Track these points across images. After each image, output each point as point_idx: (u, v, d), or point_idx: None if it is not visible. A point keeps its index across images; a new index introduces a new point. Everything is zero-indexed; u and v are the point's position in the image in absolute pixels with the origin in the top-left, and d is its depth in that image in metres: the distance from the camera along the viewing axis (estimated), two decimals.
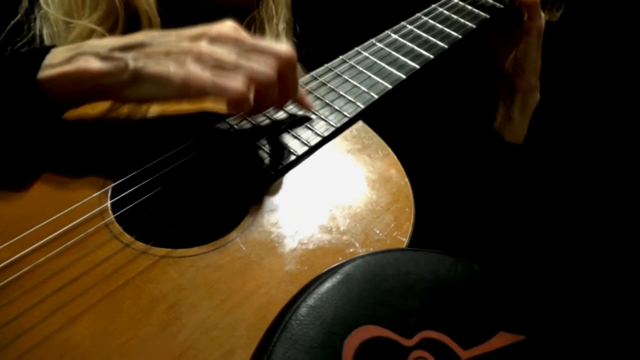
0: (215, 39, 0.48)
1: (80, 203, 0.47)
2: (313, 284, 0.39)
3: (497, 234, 0.69)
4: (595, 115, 1.07)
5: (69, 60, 0.47)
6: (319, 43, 0.72)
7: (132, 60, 0.47)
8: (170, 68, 0.46)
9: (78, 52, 0.48)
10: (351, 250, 0.45)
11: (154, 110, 0.56)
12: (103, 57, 0.47)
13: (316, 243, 0.46)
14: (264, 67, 0.47)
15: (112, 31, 0.63)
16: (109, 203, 0.47)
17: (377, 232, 0.47)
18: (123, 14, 0.63)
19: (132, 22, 0.64)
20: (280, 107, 0.55)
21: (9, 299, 0.40)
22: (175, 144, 0.53)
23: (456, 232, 0.69)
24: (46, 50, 0.49)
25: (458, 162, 0.74)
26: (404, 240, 0.47)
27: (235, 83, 0.45)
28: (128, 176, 0.49)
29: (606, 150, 1.06)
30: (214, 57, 0.47)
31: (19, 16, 0.63)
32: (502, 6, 0.72)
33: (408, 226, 0.48)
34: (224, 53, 0.47)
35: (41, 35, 0.63)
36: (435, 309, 0.39)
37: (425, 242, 0.47)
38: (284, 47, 0.49)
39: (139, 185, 0.49)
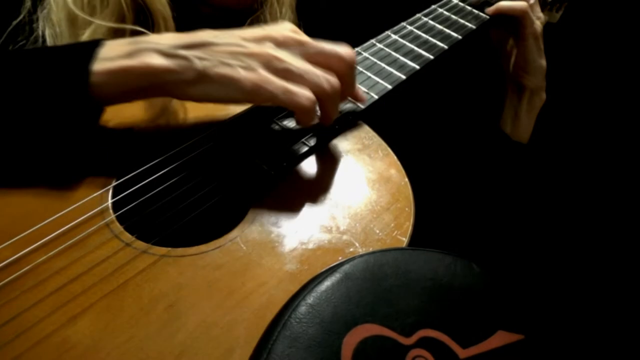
0: (281, 42, 0.48)
1: (81, 202, 0.47)
2: (312, 282, 0.39)
3: (497, 234, 0.69)
4: (595, 115, 1.07)
5: (130, 54, 0.46)
6: None
7: (197, 59, 0.46)
8: (241, 71, 0.45)
9: (139, 48, 0.47)
10: (351, 249, 0.46)
11: (155, 111, 0.56)
12: (167, 55, 0.46)
13: (316, 242, 0.46)
14: (329, 80, 0.47)
15: (118, 35, 0.63)
16: (109, 202, 0.47)
17: (377, 231, 0.47)
18: (131, 19, 0.63)
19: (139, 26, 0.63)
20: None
21: (9, 298, 0.40)
22: (176, 144, 0.53)
23: (456, 232, 0.69)
24: (96, 43, 0.48)
25: (458, 161, 0.74)
26: (404, 240, 0.47)
27: (304, 94, 0.46)
28: (128, 176, 0.49)
29: (607, 150, 1.06)
30: (282, 61, 0.46)
31: (21, 16, 0.63)
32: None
33: (408, 226, 0.48)
34: (292, 59, 0.47)
35: (44, 36, 0.63)
36: (434, 308, 0.39)
37: (425, 241, 0.47)
38: (345, 49, 0.49)
39: (139, 185, 0.49)
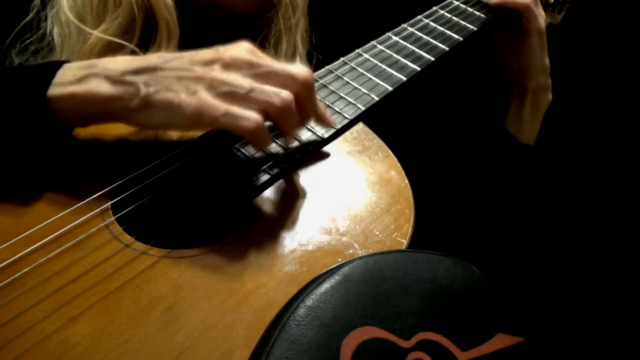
0: (228, 64, 0.47)
1: (81, 203, 0.47)
2: (312, 284, 0.39)
3: (497, 236, 0.69)
4: (603, 118, 1.07)
5: (80, 80, 0.46)
6: (333, 53, 0.72)
7: (143, 85, 0.45)
8: (182, 95, 0.45)
9: (90, 73, 0.46)
10: (350, 251, 0.45)
11: None
12: (114, 81, 0.46)
13: (316, 244, 0.46)
14: (278, 94, 0.46)
15: (128, 40, 0.62)
16: (109, 204, 0.48)
17: (377, 233, 0.47)
18: (141, 23, 0.62)
19: (149, 31, 0.63)
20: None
21: (8, 298, 0.40)
22: (176, 145, 0.53)
23: (456, 234, 0.69)
24: (58, 65, 0.48)
25: (458, 163, 0.74)
26: (404, 242, 0.47)
27: (248, 115, 0.44)
28: (128, 177, 0.49)
29: (613, 155, 1.06)
30: (227, 84, 0.45)
31: (31, 15, 0.63)
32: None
33: (408, 228, 0.48)
34: (238, 79, 0.46)
35: (51, 35, 0.63)
36: (434, 310, 0.39)
37: (424, 244, 0.47)
38: (300, 68, 0.48)
39: (138, 187, 0.49)
